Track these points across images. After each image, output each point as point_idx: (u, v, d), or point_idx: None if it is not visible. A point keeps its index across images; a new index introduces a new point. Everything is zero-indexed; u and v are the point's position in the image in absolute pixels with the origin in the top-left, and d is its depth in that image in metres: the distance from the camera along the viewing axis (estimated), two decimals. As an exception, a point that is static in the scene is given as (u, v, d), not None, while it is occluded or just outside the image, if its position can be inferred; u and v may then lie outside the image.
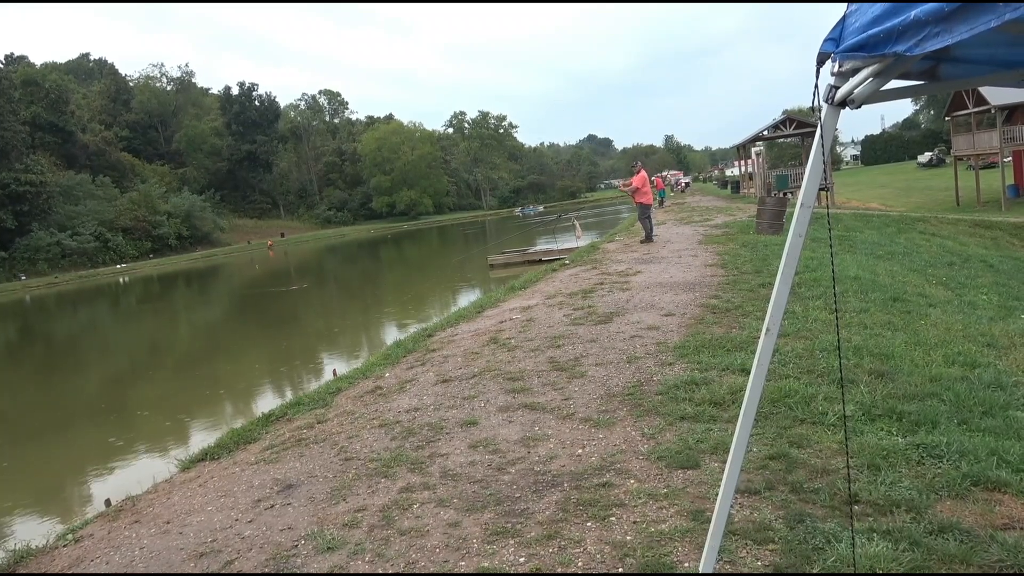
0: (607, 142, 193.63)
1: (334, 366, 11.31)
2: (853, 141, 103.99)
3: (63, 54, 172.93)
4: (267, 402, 10.26)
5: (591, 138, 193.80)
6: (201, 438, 8.37)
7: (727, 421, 4.11)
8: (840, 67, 1.73)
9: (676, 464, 3.63)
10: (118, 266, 59.53)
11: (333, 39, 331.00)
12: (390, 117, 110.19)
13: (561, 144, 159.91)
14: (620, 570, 2.76)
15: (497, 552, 3.01)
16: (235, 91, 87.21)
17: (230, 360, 16.20)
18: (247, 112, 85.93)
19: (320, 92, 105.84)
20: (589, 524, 3.14)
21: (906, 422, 3.88)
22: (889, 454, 3.47)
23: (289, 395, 9.58)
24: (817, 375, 4.80)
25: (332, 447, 4.72)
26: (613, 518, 3.17)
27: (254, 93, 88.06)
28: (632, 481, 3.52)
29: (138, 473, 7.17)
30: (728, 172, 77.48)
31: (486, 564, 2.93)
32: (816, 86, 1.80)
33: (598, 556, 2.87)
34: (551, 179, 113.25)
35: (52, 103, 67.45)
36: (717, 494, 2.28)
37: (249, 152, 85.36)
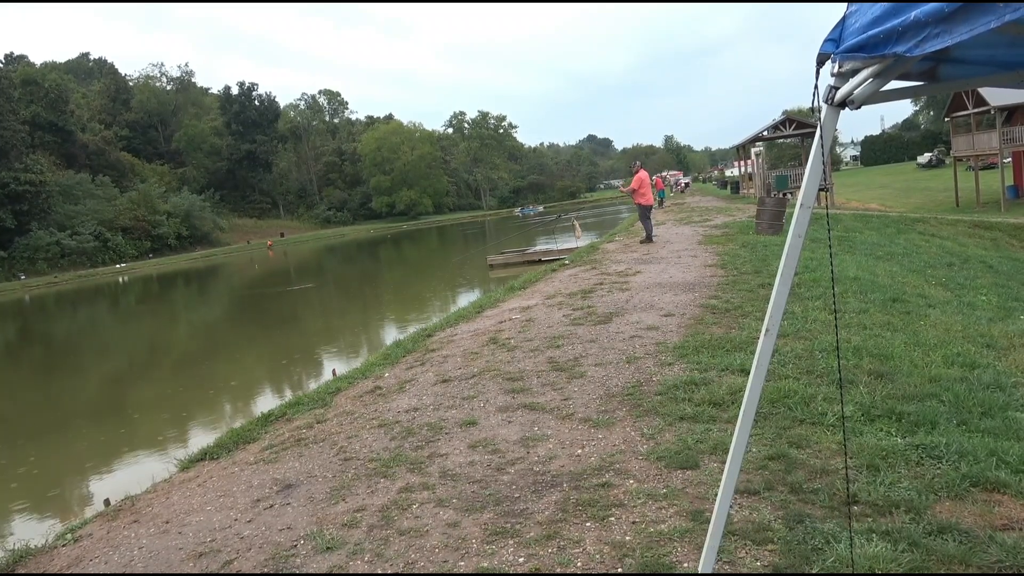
0: (607, 142, 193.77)
1: (334, 366, 11.31)
2: (853, 142, 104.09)
3: (63, 54, 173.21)
4: (267, 402, 10.26)
5: (591, 138, 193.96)
6: (200, 438, 8.37)
7: (726, 421, 4.11)
8: (840, 68, 1.73)
9: (675, 464, 3.63)
10: (117, 266, 59.50)
11: (333, 39, 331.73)
12: (390, 117, 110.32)
13: (561, 144, 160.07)
14: (619, 570, 2.76)
15: (496, 552, 3.01)
16: (235, 91, 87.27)
17: (230, 360, 16.20)
18: (247, 112, 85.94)
19: (320, 92, 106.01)
20: (588, 524, 3.14)
21: (905, 423, 3.88)
22: (888, 455, 3.47)
23: (289, 395, 9.57)
24: (816, 376, 4.80)
25: (331, 447, 4.72)
26: (612, 518, 3.17)
27: (254, 93, 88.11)
28: (631, 481, 3.52)
29: (137, 473, 7.18)
30: (728, 172, 77.45)
31: (485, 564, 2.93)
32: (816, 87, 1.80)
33: (597, 556, 2.87)
34: (551, 179, 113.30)
35: (52, 102, 67.43)
36: (716, 494, 2.28)
37: (249, 152, 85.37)
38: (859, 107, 1.78)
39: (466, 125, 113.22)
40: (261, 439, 5.31)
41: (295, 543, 3.38)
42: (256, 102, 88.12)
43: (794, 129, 30.95)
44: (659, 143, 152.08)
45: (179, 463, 5.21)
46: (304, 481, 4.19)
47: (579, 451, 4.01)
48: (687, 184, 68.43)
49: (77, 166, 67.41)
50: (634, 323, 7.14)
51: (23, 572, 3.75)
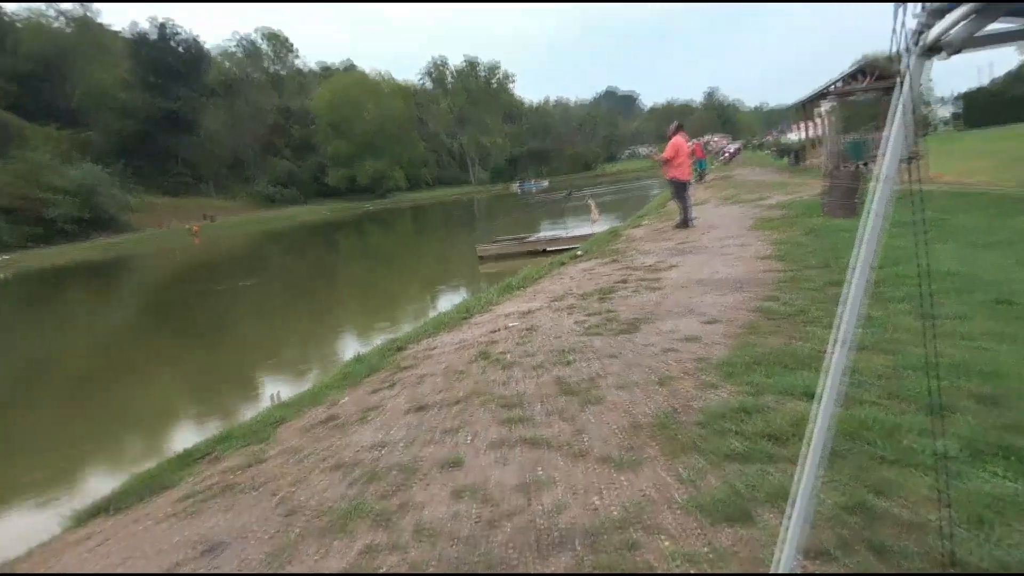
0: (631, 99, 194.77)
1: (276, 388, 11.29)
2: (947, 98, 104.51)
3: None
4: (187, 436, 10.23)
5: (610, 94, 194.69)
6: (96, 485, 8.33)
7: (788, 461, 4.11)
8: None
9: (722, 517, 3.63)
10: (-7, 258, 59.54)
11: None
12: (350, 66, 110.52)
13: (572, 101, 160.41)
14: (648, 657, 2.75)
15: (487, 633, 3.00)
16: (148, 30, 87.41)
17: (139, 382, 16.17)
18: (164, 58, 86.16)
19: (259, 33, 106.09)
20: (607, 596, 3.13)
21: (1019, 461, 3.87)
22: (998, 503, 3.47)
23: (216, 427, 9.56)
24: (904, 400, 4.81)
25: (271, 496, 4.72)
26: (639, 588, 3.16)
27: (173, 34, 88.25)
28: (665, 540, 3.52)
29: (7, 534, 7.13)
30: (787, 137, 77.73)
31: (472, 649, 2.91)
32: (897, 27, 1.77)
33: (619, 638, 2.86)
34: (558, 146, 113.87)
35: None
36: (775, 557, 2.26)
37: (167, 111, 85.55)
38: (955, 53, 1.76)
39: (449, 76, 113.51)
40: (179, 485, 5.32)
41: (224, 622, 3.36)
42: (177, 47, 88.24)
43: (873, 82, 31.04)
44: (699, 99, 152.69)
45: (67, 520, 5.21)
46: (235, 540, 4.18)
47: (596, 500, 4.02)
48: (736, 151, 68.67)
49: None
50: (667, 332, 7.18)
51: None
